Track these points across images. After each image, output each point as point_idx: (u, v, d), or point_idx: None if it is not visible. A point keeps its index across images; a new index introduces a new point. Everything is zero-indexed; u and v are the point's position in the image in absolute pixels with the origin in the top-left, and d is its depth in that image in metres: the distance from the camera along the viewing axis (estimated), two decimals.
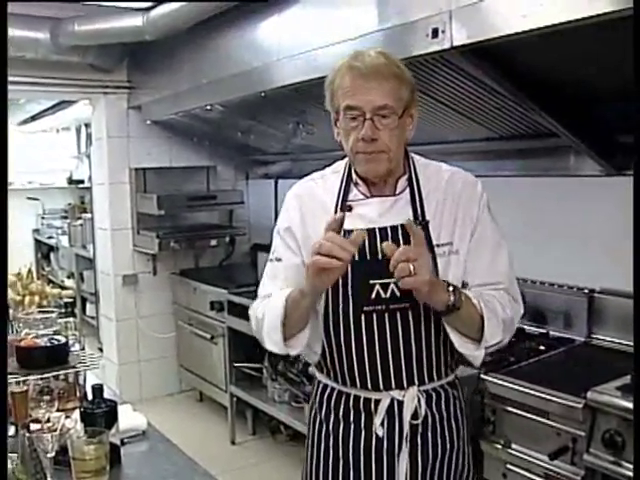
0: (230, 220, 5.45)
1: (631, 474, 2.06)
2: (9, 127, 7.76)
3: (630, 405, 2.11)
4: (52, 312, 2.25)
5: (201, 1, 3.44)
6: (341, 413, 1.77)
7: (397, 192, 1.72)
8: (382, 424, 1.71)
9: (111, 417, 1.80)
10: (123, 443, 1.88)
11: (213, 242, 5.12)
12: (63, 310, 2.37)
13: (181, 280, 5.22)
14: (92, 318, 6.53)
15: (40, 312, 2.33)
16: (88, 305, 6.87)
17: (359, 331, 1.69)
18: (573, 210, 3.07)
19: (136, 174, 5.15)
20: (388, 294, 1.63)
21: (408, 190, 1.72)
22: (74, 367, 2.07)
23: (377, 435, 1.72)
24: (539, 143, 2.97)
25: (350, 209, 1.71)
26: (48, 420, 1.77)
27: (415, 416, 1.71)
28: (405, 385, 1.70)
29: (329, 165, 1.85)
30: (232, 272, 5.24)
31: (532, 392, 2.38)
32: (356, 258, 1.60)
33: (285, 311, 1.65)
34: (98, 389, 1.83)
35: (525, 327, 3.11)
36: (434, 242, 1.67)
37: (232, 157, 5.53)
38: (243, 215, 5.46)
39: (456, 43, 2.27)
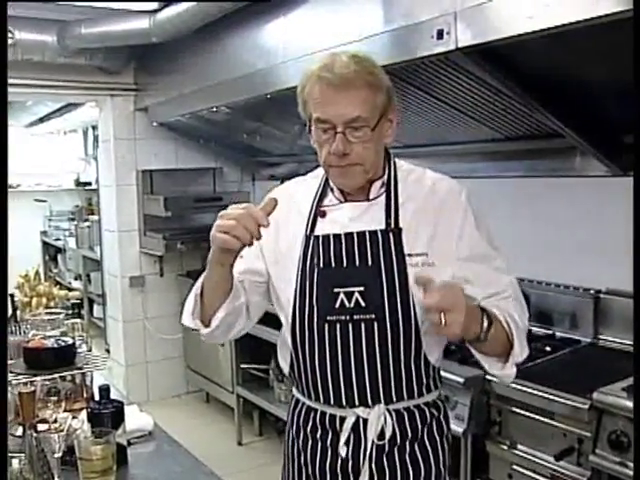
0: None
1: None
2: (16, 129, 7.80)
3: None
4: (59, 313, 2.26)
5: (207, 0, 3.45)
6: (309, 430, 1.70)
7: (371, 197, 1.64)
8: (347, 443, 1.62)
9: (118, 417, 1.81)
10: (130, 444, 1.89)
11: None
12: (70, 311, 2.38)
13: (188, 281, 5.22)
14: (99, 319, 6.56)
15: (47, 313, 2.34)
16: (95, 307, 6.90)
17: (322, 342, 1.60)
18: (579, 210, 3.07)
19: (143, 176, 5.18)
20: (352, 303, 1.56)
21: (385, 195, 1.64)
22: (81, 368, 2.08)
23: (341, 455, 1.63)
24: (545, 144, 2.96)
25: (324, 214, 1.67)
26: (55, 420, 1.78)
27: (382, 436, 1.61)
28: (370, 403, 1.60)
29: (312, 170, 1.78)
30: None
31: (538, 393, 2.38)
32: (321, 265, 1.59)
33: (202, 283, 1.62)
34: (105, 390, 1.84)
35: (531, 328, 3.11)
36: (406, 251, 1.58)
37: (238, 158, 5.54)
38: None
39: (461, 44, 2.27)
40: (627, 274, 2.56)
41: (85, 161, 8.23)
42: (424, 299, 1.37)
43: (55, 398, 1.90)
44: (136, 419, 2.01)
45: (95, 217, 6.54)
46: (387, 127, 1.60)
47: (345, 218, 1.64)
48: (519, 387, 2.42)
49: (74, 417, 1.84)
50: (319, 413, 1.67)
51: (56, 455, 1.66)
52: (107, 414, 1.79)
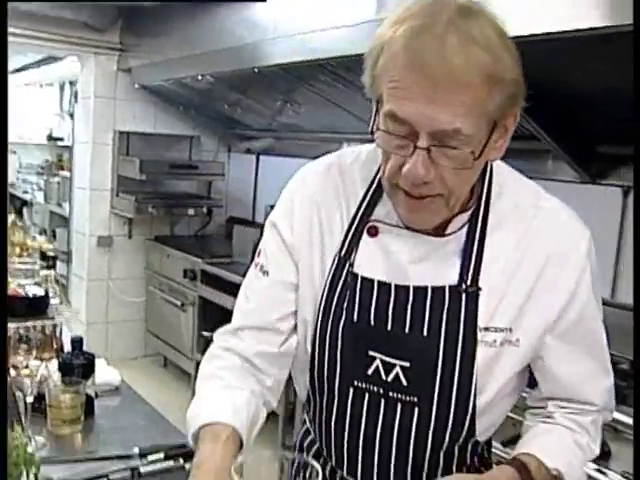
0: (209, 191, 5.50)
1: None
2: None
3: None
4: (34, 263, 2.30)
5: (209, 1, 3.50)
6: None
7: (447, 231, 1.11)
8: None
9: (88, 369, 1.86)
10: (97, 396, 1.93)
11: (191, 211, 5.15)
12: (45, 263, 2.42)
13: (155, 246, 5.26)
14: (62, 277, 6.53)
15: (21, 263, 2.37)
16: (59, 263, 6.85)
17: (344, 408, 1.19)
18: None
19: (120, 137, 5.17)
20: (391, 377, 1.13)
21: (466, 229, 1.11)
22: (53, 319, 2.12)
23: None
24: (520, 145, 3.04)
25: (374, 233, 1.14)
26: (27, 367, 1.82)
27: None
28: None
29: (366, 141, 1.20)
30: (207, 243, 5.29)
31: None
32: (354, 318, 1.14)
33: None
34: (78, 341, 1.88)
35: None
36: (480, 324, 1.09)
37: (216, 129, 5.55)
38: (222, 187, 5.51)
39: None
40: None
41: (59, 116, 8.14)
42: None
43: (26, 346, 1.94)
44: (104, 373, 2.05)
45: (65, 173, 6.49)
46: (498, 137, 1.02)
47: (405, 256, 1.12)
48: None
49: (45, 366, 1.88)
50: (329, 467, 1.28)
51: (28, 400, 1.71)
52: (78, 365, 1.84)
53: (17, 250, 2.67)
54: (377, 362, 1.13)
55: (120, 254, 5.33)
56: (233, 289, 4.04)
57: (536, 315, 1.10)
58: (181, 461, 1.59)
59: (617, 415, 2.24)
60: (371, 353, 1.13)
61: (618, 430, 2.23)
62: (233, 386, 1.18)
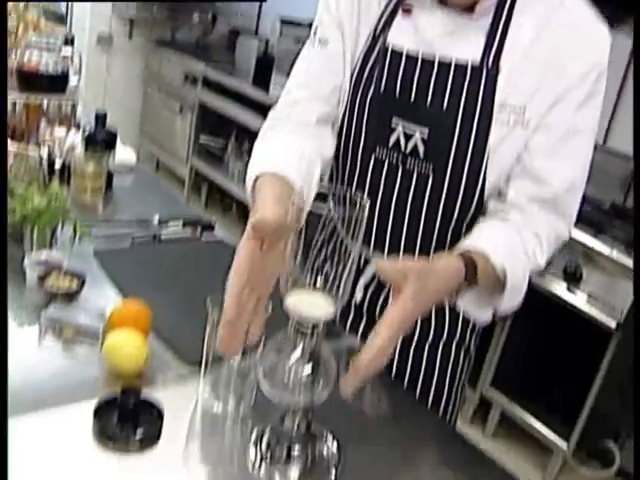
0: None
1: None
2: None
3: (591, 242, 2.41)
4: (57, 38, 2.28)
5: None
6: None
7: (477, 10, 1.17)
8: (367, 288, 1.37)
9: (110, 146, 1.94)
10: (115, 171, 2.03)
11: (195, 16, 5.05)
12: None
13: (156, 49, 5.20)
14: None
15: (40, 37, 2.33)
16: None
17: (364, 176, 1.30)
18: None
19: None
20: (409, 148, 1.23)
21: (493, 12, 1.17)
22: (73, 98, 2.17)
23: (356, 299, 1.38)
24: None
25: (409, 11, 1.22)
26: (51, 135, 1.90)
27: None
28: (401, 253, 1.32)
29: None
30: (208, 51, 5.23)
31: None
32: (381, 89, 1.23)
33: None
34: (102, 117, 1.94)
35: None
36: (497, 101, 1.16)
37: None
38: None
39: None
40: None
41: None
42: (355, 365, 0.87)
43: (46, 119, 2.02)
44: (121, 152, 2.13)
45: None
46: None
47: (434, 31, 1.20)
48: None
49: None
50: None
51: (56, 166, 1.80)
52: (101, 140, 1.91)
53: (30, 31, 2.63)
54: (398, 131, 1.23)
55: (119, 55, 5.25)
56: (233, 97, 4.07)
57: (545, 97, 1.15)
58: (198, 231, 1.72)
59: (593, 243, 2.43)
60: (394, 120, 1.22)
61: (591, 256, 2.42)
62: (291, 139, 1.24)
